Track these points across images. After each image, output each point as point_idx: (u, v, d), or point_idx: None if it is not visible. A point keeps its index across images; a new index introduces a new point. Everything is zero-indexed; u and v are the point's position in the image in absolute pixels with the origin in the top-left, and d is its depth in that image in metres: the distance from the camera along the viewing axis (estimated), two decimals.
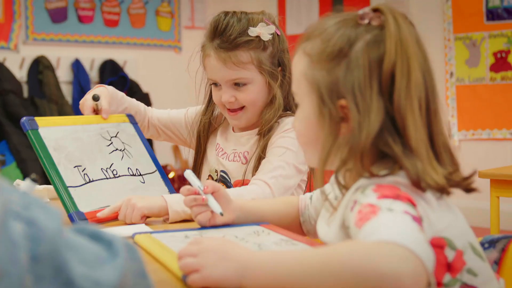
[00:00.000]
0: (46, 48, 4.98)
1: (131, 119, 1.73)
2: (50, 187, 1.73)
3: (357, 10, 1.02)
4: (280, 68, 1.70)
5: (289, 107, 1.72)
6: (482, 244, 1.20)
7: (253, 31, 1.64)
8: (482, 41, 4.59)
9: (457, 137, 4.73)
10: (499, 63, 4.54)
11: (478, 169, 2.67)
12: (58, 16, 5.07)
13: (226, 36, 1.64)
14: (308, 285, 0.79)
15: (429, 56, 1.00)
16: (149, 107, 1.92)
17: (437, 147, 0.97)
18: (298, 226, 1.37)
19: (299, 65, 1.05)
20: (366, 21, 0.99)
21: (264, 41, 1.65)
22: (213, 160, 1.79)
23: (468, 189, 0.99)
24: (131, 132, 1.69)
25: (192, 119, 1.87)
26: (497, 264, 1.16)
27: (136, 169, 1.61)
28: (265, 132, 1.68)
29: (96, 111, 1.67)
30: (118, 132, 1.65)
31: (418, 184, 0.92)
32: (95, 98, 1.66)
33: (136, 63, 5.42)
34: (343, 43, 0.98)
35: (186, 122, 1.88)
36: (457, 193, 1.00)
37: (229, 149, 1.77)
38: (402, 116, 0.94)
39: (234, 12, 1.68)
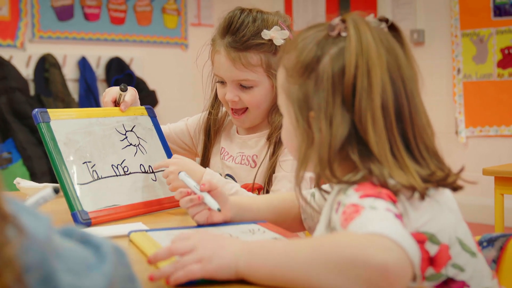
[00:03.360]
0: (52, 46, 4.99)
1: (150, 111, 1.70)
2: (50, 185, 1.73)
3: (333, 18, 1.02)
4: None
5: None
6: (480, 242, 1.20)
7: (266, 34, 1.61)
8: (490, 37, 4.57)
9: (464, 134, 4.70)
10: (507, 60, 4.52)
11: (484, 166, 2.68)
12: (64, 14, 5.08)
13: (239, 35, 1.62)
14: (299, 271, 0.81)
15: (402, 60, 1.00)
16: None
17: (414, 150, 0.98)
18: (299, 223, 1.37)
19: (279, 78, 1.08)
20: (335, 32, 1.00)
21: (276, 45, 1.63)
22: (218, 165, 1.78)
23: (454, 188, 1.00)
24: (148, 126, 1.66)
25: (194, 125, 1.86)
26: (496, 262, 1.16)
27: (149, 166, 1.59)
28: (276, 138, 1.66)
29: (116, 103, 1.66)
30: (134, 126, 1.62)
31: (386, 187, 0.93)
32: (123, 89, 1.63)
33: (142, 60, 5.43)
34: (311, 57, 1.00)
35: (189, 130, 1.87)
36: (462, 190, 1.01)
37: (234, 152, 1.76)
38: (363, 125, 0.95)
39: (250, 10, 1.66)
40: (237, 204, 1.31)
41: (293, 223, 1.37)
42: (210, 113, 1.81)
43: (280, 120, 1.65)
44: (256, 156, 1.70)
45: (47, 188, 1.09)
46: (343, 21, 1.00)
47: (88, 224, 1.37)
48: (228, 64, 1.63)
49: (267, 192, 1.65)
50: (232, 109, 1.70)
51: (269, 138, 1.68)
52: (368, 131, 0.94)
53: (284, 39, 1.63)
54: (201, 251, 0.87)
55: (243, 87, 1.65)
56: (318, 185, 1.02)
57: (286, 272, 0.83)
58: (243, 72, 1.63)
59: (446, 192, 1.00)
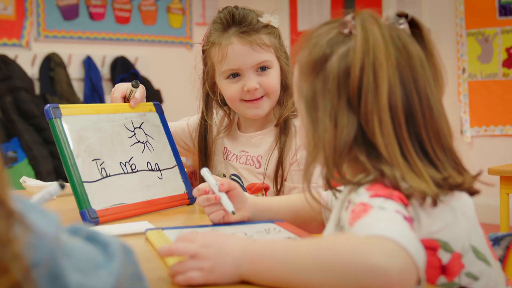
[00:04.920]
0: (57, 45, 5.00)
1: (158, 108, 1.71)
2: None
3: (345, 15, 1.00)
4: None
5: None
6: None
7: (264, 19, 1.66)
8: (495, 36, 4.56)
9: (469, 133, 4.70)
10: None
11: (489, 165, 2.67)
12: (69, 13, 5.09)
13: (246, 22, 1.65)
14: (300, 277, 0.80)
15: (416, 60, 0.96)
16: None
17: (430, 152, 0.95)
18: (320, 222, 1.34)
19: (295, 75, 1.06)
20: (347, 30, 0.97)
21: (275, 28, 1.68)
22: (221, 165, 1.78)
23: (470, 192, 0.98)
24: (156, 122, 1.68)
25: (195, 125, 1.86)
26: (502, 261, 1.15)
27: (156, 163, 1.60)
28: (281, 129, 1.67)
29: (125, 99, 1.66)
30: (142, 123, 1.63)
31: (398, 189, 0.90)
32: (135, 85, 1.63)
33: (147, 60, 5.43)
34: (320, 56, 0.98)
35: (190, 130, 1.88)
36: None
37: (237, 150, 1.76)
38: (370, 127, 0.93)
39: (240, 7, 1.70)
40: (256, 204, 1.30)
41: (314, 223, 1.35)
42: (205, 121, 1.81)
43: (290, 102, 1.68)
44: (261, 157, 1.70)
45: (53, 184, 1.10)
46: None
47: (96, 222, 1.37)
48: (246, 49, 1.65)
49: (277, 192, 1.65)
50: (248, 101, 1.69)
51: (277, 124, 1.69)
52: (375, 134, 0.92)
53: (277, 23, 1.69)
54: (201, 261, 0.86)
55: (262, 70, 1.67)
56: (329, 185, 1.01)
57: (287, 278, 0.81)
58: (262, 53, 1.66)
59: (463, 197, 0.98)
